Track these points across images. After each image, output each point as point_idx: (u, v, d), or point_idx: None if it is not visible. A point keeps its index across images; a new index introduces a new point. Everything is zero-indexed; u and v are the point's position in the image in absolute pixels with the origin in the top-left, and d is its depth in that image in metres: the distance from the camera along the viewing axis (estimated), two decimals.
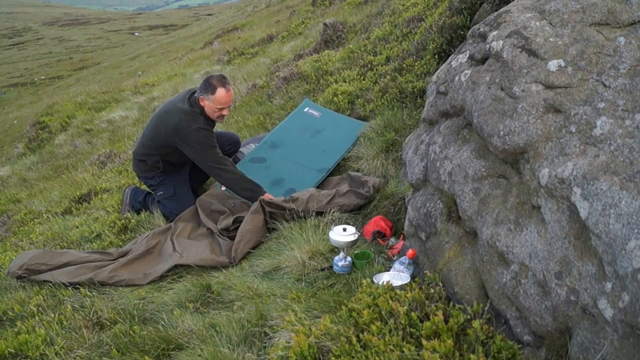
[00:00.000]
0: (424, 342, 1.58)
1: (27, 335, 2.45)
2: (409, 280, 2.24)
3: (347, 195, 3.34)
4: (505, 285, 1.79)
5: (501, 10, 2.29)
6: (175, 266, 3.09)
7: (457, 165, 2.20)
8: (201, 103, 3.52)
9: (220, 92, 3.45)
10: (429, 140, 2.61)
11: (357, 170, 3.73)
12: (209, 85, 3.47)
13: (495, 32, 2.15)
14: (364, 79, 4.83)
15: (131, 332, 2.39)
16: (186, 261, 3.06)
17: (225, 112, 3.58)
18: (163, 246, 3.33)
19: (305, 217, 3.14)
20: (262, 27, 14.55)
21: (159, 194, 3.84)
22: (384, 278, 2.25)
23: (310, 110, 4.02)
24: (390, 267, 2.48)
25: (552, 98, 1.81)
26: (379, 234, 2.99)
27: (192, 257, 3.10)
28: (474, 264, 2.03)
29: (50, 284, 3.02)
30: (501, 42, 2.07)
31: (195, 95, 3.56)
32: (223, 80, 3.49)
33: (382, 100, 4.15)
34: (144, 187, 4.44)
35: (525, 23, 2.05)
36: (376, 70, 4.86)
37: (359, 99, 4.50)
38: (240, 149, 4.31)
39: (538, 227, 1.71)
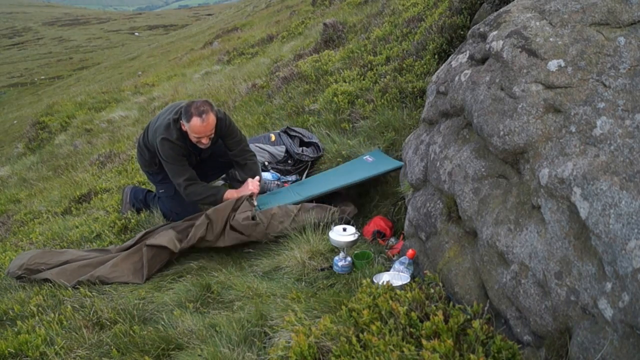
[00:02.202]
0: (424, 342, 1.58)
1: (27, 335, 2.45)
2: (409, 280, 2.24)
3: (315, 210, 3.20)
4: (505, 285, 1.79)
5: (501, 10, 2.29)
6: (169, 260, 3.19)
7: (457, 165, 2.20)
8: (182, 128, 3.41)
9: (195, 121, 3.27)
10: (429, 140, 2.61)
11: None
12: (187, 112, 3.31)
13: (495, 32, 2.15)
14: (364, 79, 4.83)
15: (131, 332, 2.39)
16: (151, 242, 3.14)
17: (204, 141, 3.39)
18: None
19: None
20: (262, 27, 14.56)
21: (160, 191, 3.85)
22: (384, 278, 2.26)
23: (368, 158, 3.76)
24: (390, 267, 2.48)
25: (552, 98, 1.81)
26: (379, 234, 2.99)
27: (157, 239, 3.16)
28: (474, 264, 2.03)
29: (50, 284, 3.03)
30: (501, 42, 2.07)
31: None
32: (201, 109, 3.28)
33: (382, 100, 4.15)
34: (142, 186, 4.45)
35: (525, 23, 2.05)
36: (376, 70, 4.86)
37: (359, 99, 4.50)
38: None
39: (538, 227, 1.71)
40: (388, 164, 3.49)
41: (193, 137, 3.39)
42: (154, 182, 3.92)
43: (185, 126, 3.36)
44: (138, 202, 4.09)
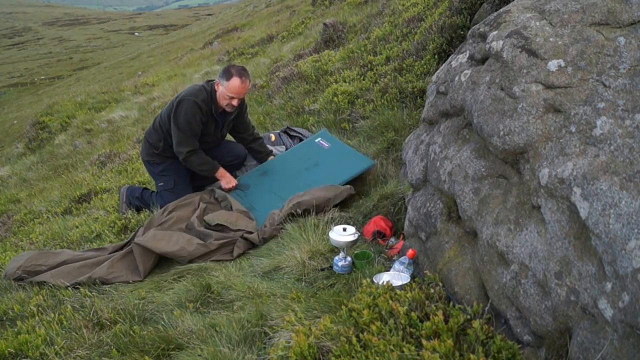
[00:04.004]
0: (424, 342, 1.58)
1: (27, 335, 2.44)
2: (409, 280, 2.24)
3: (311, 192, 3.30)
4: (505, 285, 1.79)
5: (501, 10, 2.29)
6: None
7: (457, 165, 2.20)
8: (216, 87, 3.62)
9: (235, 81, 3.52)
10: (429, 140, 2.61)
11: None
12: (226, 72, 3.56)
13: (495, 32, 2.15)
14: (364, 79, 4.83)
15: (131, 332, 2.39)
16: (142, 242, 3.15)
17: (235, 102, 3.63)
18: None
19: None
20: (262, 27, 14.56)
21: (159, 184, 3.89)
22: (384, 278, 2.25)
23: (321, 141, 3.86)
24: (390, 267, 2.48)
25: (552, 98, 1.81)
26: (379, 234, 2.99)
27: (163, 243, 3.16)
28: (474, 264, 2.03)
29: (50, 284, 3.03)
30: (501, 42, 2.07)
31: (215, 79, 3.71)
32: (242, 72, 3.56)
33: (382, 100, 4.15)
34: (143, 186, 4.44)
35: (525, 23, 2.05)
36: (376, 70, 4.86)
37: (359, 99, 4.50)
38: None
39: (538, 227, 1.71)
40: (355, 160, 3.63)
41: (226, 96, 3.59)
42: (154, 173, 3.95)
43: (221, 85, 3.58)
44: (134, 199, 4.09)
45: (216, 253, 3.15)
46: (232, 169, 4.06)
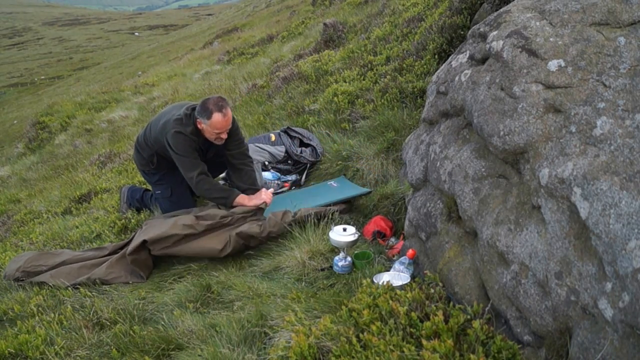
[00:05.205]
0: (424, 342, 1.58)
1: (27, 335, 2.45)
2: (409, 280, 2.24)
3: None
4: (505, 285, 1.79)
5: (501, 10, 2.29)
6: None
7: (457, 165, 2.20)
8: (198, 126, 3.40)
9: (216, 117, 3.29)
10: (429, 140, 2.62)
11: (357, 170, 3.74)
12: (205, 109, 3.31)
13: (495, 32, 2.15)
14: (364, 79, 4.83)
15: (131, 332, 2.39)
16: (145, 235, 3.11)
17: (223, 136, 3.42)
18: None
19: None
20: (262, 27, 14.57)
21: (157, 192, 3.84)
22: (384, 278, 2.26)
23: (332, 183, 3.84)
24: (390, 267, 2.48)
25: (552, 98, 1.81)
26: (379, 234, 2.99)
27: (151, 231, 3.13)
28: (474, 264, 2.03)
29: (50, 284, 3.03)
30: (501, 42, 2.07)
31: (195, 114, 3.44)
32: (220, 105, 3.31)
33: (382, 100, 4.16)
34: (143, 186, 4.44)
35: (526, 23, 2.05)
36: (376, 70, 4.86)
37: (359, 99, 4.50)
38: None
39: (538, 227, 1.71)
40: (355, 189, 3.57)
41: (213, 133, 3.38)
42: (149, 182, 3.92)
43: (204, 124, 3.34)
44: (135, 201, 4.08)
45: (204, 235, 3.10)
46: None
